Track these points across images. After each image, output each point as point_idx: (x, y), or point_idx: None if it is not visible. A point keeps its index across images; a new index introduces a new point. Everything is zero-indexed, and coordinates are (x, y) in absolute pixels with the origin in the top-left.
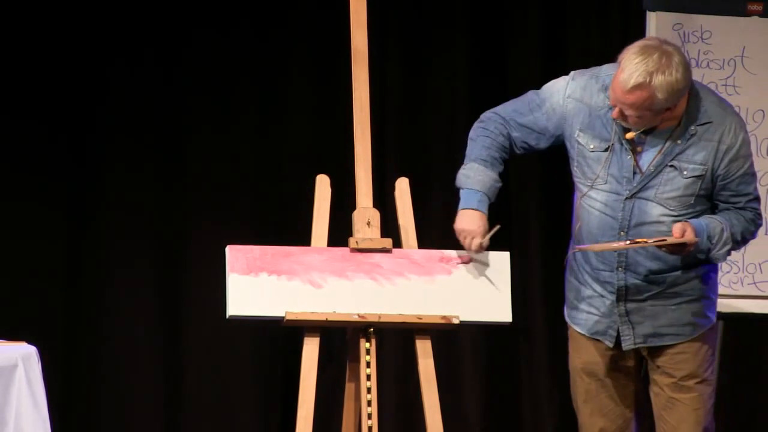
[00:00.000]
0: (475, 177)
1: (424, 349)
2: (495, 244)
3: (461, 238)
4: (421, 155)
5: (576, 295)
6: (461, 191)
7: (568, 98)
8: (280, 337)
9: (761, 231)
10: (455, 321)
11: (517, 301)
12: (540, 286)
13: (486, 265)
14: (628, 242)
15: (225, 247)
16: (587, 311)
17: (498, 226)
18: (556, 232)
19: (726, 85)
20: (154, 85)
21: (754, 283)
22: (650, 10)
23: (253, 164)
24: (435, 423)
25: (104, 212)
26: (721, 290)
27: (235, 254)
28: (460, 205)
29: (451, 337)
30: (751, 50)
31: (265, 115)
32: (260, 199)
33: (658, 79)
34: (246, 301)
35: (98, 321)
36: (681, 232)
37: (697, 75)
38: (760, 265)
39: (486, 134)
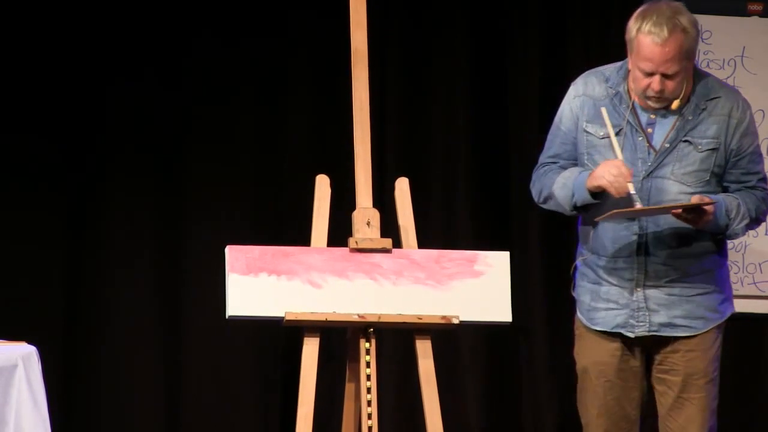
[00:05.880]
0: (570, 176)
1: (424, 349)
2: (495, 244)
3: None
4: (421, 155)
5: (591, 296)
6: (574, 195)
7: (574, 99)
8: (280, 337)
9: (761, 231)
10: (455, 321)
11: (517, 301)
12: (540, 286)
13: (485, 264)
14: (657, 206)
15: (225, 247)
16: (605, 308)
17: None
18: (556, 232)
19: None
20: (154, 87)
21: (754, 283)
22: None
23: (253, 164)
24: (435, 423)
25: (104, 212)
26: None
27: (235, 254)
28: (582, 191)
29: (451, 337)
30: (751, 50)
31: (265, 115)
32: (260, 199)
33: (683, 19)
34: (246, 302)
35: (98, 321)
36: (700, 199)
37: None
38: (760, 265)
39: (545, 172)
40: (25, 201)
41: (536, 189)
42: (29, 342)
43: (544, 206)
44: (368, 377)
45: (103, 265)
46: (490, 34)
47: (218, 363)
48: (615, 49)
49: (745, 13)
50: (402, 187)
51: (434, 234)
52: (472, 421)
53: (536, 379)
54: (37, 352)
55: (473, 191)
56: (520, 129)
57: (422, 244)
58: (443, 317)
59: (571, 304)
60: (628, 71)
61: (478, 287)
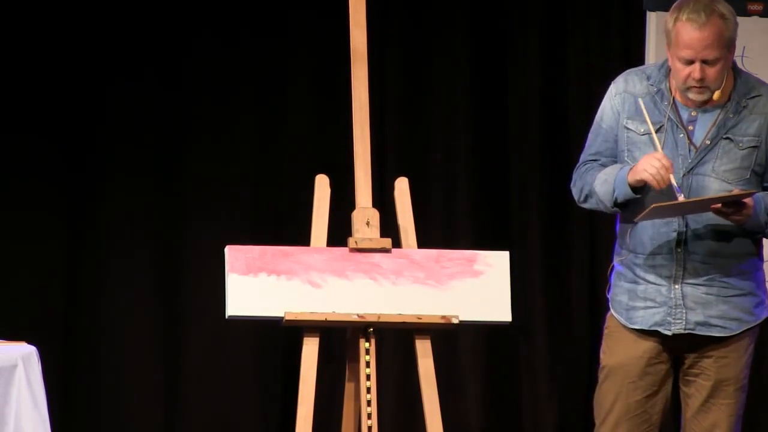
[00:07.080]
0: (611, 173)
1: (423, 349)
2: (495, 244)
3: (655, 172)
4: (421, 155)
5: (629, 295)
6: (615, 191)
7: (615, 96)
8: (280, 337)
9: None
10: (455, 321)
11: (517, 301)
12: (540, 286)
13: (485, 264)
14: (696, 198)
15: (224, 247)
16: (644, 306)
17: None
18: (556, 232)
19: None
20: (154, 87)
21: None
22: (650, 10)
23: (253, 164)
24: (434, 423)
25: (104, 213)
26: None
27: (234, 254)
28: (624, 187)
29: (451, 337)
30: (751, 50)
31: (265, 115)
32: (260, 199)
33: (721, 6)
34: (245, 302)
35: (98, 321)
36: (740, 191)
37: None
38: None
39: (586, 170)
40: (25, 201)
41: (577, 187)
42: (29, 342)
43: (585, 205)
44: (368, 377)
45: (103, 265)
46: (490, 34)
47: (218, 363)
48: (615, 49)
49: (745, 13)
50: (402, 187)
51: (434, 234)
52: (472, 421)
53: (536, 379)
54: (37, 352)
55: (473, 191)
56: (520, 129)
57: (422, 243)
58: (443, 317)
59: (570, 305)
60: (669, 69)
61: (477, 287)
